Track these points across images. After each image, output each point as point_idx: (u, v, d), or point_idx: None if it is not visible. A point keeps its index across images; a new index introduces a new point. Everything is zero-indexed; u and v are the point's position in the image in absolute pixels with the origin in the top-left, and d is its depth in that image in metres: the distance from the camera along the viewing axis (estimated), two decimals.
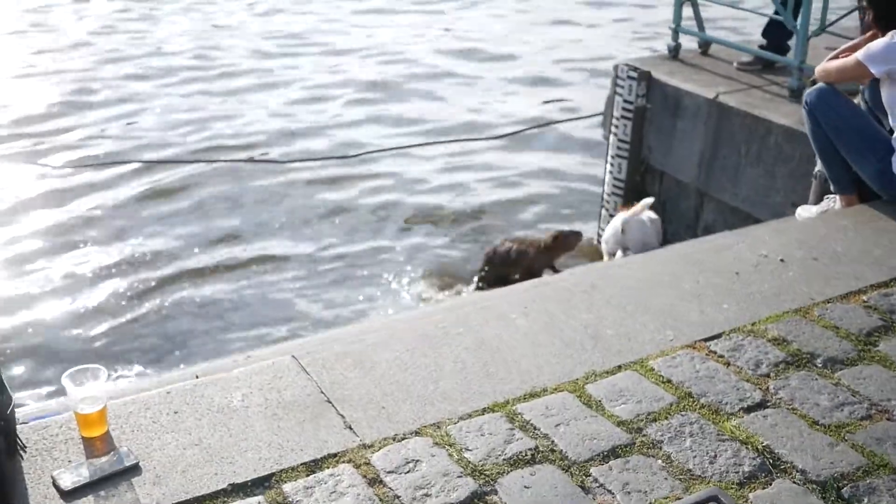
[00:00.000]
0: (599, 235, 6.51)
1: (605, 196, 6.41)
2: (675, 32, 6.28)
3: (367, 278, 6.39)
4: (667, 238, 6.13)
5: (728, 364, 2.73)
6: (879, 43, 3.68)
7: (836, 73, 3.93)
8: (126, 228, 7.01)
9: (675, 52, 6.28)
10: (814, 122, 3.96)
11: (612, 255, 5.56)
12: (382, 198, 7.61)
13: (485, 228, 7.07)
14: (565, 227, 6.62)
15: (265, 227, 7.09)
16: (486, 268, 6.06)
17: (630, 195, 6.22)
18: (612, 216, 6.33)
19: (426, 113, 9.66)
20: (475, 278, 6.23)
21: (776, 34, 5.89)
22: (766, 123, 5.09)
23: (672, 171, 5.90)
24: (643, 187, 6.23)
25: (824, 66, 4.00)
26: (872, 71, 3.70)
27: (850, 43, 4.05)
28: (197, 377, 3.06)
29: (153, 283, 6.20)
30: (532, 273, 5.89)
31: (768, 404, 2.53)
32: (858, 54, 3.73)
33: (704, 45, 6.39)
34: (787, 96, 5.39)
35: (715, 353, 2.78)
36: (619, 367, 2.71)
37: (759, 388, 2.60)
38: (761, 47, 5.98)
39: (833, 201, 4.12)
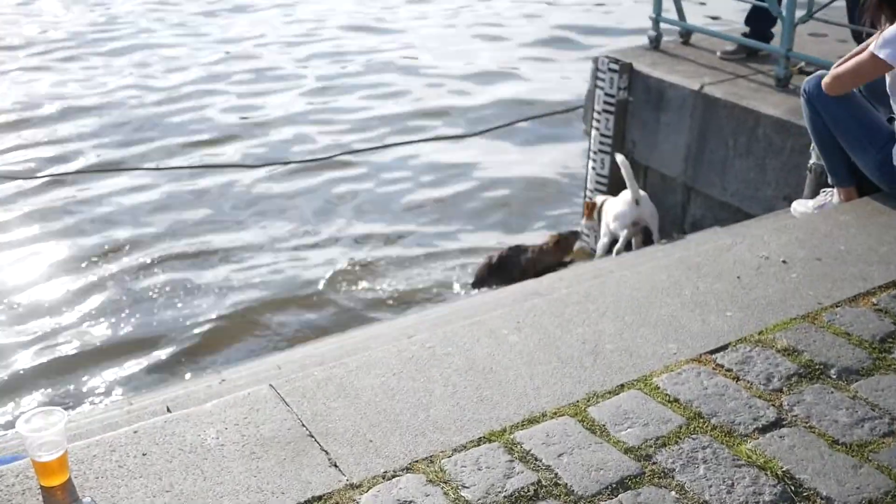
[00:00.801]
0: (583, 233, 6.34)
1: (588, 193, 6.24)
2: (656, 22, 6.11)
3: (344, 283, 6.19)
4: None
5: (737, 379, 2.55)
6: (893, 29, 3.44)
7: (851, 74, 3.59)
8: (87, 233, 6.79)
9: (656, 43, 6.11)
10: (812, 111, 3.79)
11: (618, 235, 5.36)
12: (358, 199, 7.41)
13: (462, 227, 6.88)
14: (549, 228, 6.48)
15: (231, 229, 6.88)
16: (485, 275, 5.89)
17: (614, 191, 6.05)
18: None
19: (396, 109, 9.46)
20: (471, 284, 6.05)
21: (760, 21, 5.73)
22: (754, 114, 4.93)
23: (657, 166, 5.74)
24: None
25: (834, 73, 3.69)
26: (891, 62, 3.42)
27: (848, 55, 3.75)
28: (168, 410, 2.86)
29: (123, 298, 5.97)
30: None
31: (784, 423, 2.36)
32: (872, 48, 3.45)
33: (686, 35, 6.23)
34: (774, 85, 5.23)
35: (722, 366, 2.61)
36: (622, 385, 2.53)
37: (773, 405, 2.43)
38: (744, 35, 5.82)
39: (830, 195, 3.96)
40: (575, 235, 6.17)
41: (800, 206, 4.13)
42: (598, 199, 5.71)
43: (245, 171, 7.89)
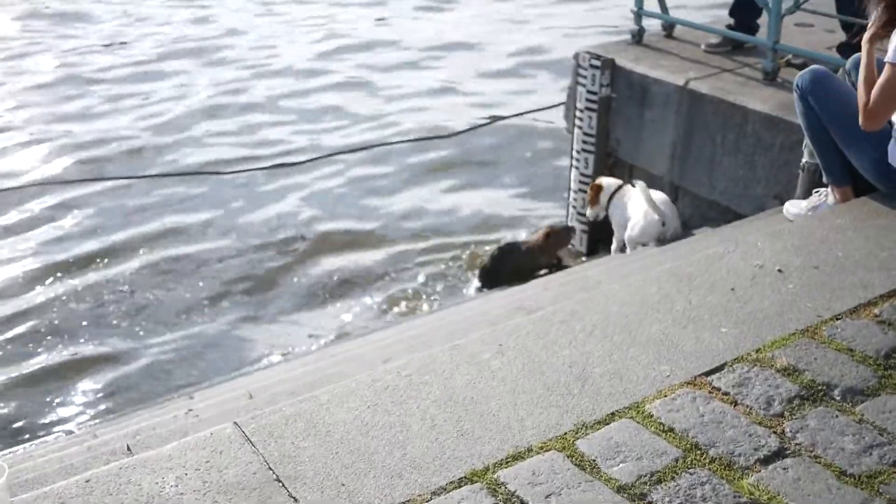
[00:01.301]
0: (580, 228, 6.16)
1: (572, 193, 6.06)
2: (638, 15, 5.94)
3: (314, 294, 6.01)
4: None
5: (735, 403, 2.39)
6: None
7: (882, 98, 3.18)
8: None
9: (638, 37, 5.94)
10: (806, 107, 3.62)
11: (634, 246, 5.10)
12: (326, 205, 7.20)
13: (440, 234, 6.70)
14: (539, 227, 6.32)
15: (201, 237, 6.68)
16: (484, 277, 5.73)
17: None
18: (580, 214, 5.99)
19: (370, 113, 9.24)
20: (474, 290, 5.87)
21: (744, 13, 5.56)
22: (741, 110, 4.76)
23: (643, 164, 5.57)
24: None
25: (864, 112, 3.26)
26: None
27: (863, 85, 3.39)
28: (129, 449, 2.67)
29: (91, 312, 5.75)
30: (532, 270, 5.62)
31: (787, 452, 2.20)
32: (889, 59, 3.13)
33: (668, 28, 6.06)
34: (762, 79, 5.07)
35: (719, 389, 2.44)
36: (613, 414, 2.36)
37: (774, 433, 2.26)
38: (729, 27, 5.65)
39: (825, 195, 3.80)
40: (568, 231, 5.96)
41: (793, 207, 3.97)
42: (604, 180, 5.37)
43: (214, 177, 7.67)
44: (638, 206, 4.98)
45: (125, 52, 11.55)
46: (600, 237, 6.05)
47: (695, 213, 5.30)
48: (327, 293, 6.03)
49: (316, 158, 7.91)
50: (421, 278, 6.14)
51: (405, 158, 8.07)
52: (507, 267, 5.69)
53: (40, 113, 9.49)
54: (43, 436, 4.35)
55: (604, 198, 5.33)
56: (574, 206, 6.07)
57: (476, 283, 5.80)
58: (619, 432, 2.28)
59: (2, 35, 12.51)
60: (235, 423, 2.40)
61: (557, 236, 5.84)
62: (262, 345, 5.30)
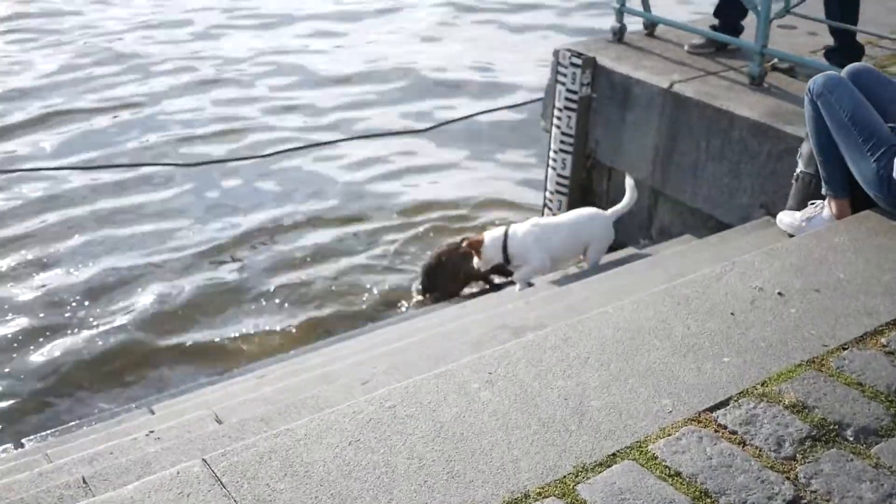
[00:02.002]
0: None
1: (548, 194, 5.90)
2: (620, 13, 5.77)
3: (290, 288, 5.79)
4: (617, 240, 5.66)
5: (744, 444, 2.23)
6: None
7: None
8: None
9: (619, 35, 5.78)
10: (815, 112, 3.48)
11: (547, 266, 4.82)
12: (299, 202, 6.96)
13: (412, 234, 6.50)
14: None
15: (167, 235, 6.41)
16: (427, 279, 5.52)
17: (576, 193, 5.73)
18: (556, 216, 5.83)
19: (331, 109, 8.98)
20: (414, 290, 5.70)
21: (730, 13, 5.42)
22: (728, 115, 4.62)
23: (622, 167, 5.41)
24: (590, 184, 5.74)
25: None
26: None
27: None
28: (84, 482, 2.45)
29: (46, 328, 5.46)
30: (476, 278, 5.42)
31: (802, 502, 2.05)
32: None
33: (650, 26, 5.90)
34: (748, 84, 4.93)
35: (725, 428, 2.29)
36: (614, 455, 2.20)
37: (787, 478, 2.12)
38: (714, 28, 5.51)
39: (820, 207, 3.67)
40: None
41: (786, 218, 3.84)
42: (486, 234, 4.88)
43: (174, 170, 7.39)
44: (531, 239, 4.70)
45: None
46: None
47: (675, 220, 5.17)
48: (288, 291, 5.81)
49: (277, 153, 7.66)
50: (394, 282, 5.95)
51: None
52: (446, 269, 5.45)
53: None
54: None
55: (495, 249, 4.76)
56: (550, 208, 5.91)
57: (417, 283, 5.63)
58: (622, 476, 2.12)
59: None
60: (204, 460, 2.20)
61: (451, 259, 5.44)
62: (223, 349, 5.07)
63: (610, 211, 4.75)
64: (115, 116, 8.59)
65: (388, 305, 5.58)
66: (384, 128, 8.26)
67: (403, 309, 5.50)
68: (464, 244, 4.94)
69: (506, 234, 4.67)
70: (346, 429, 2.29)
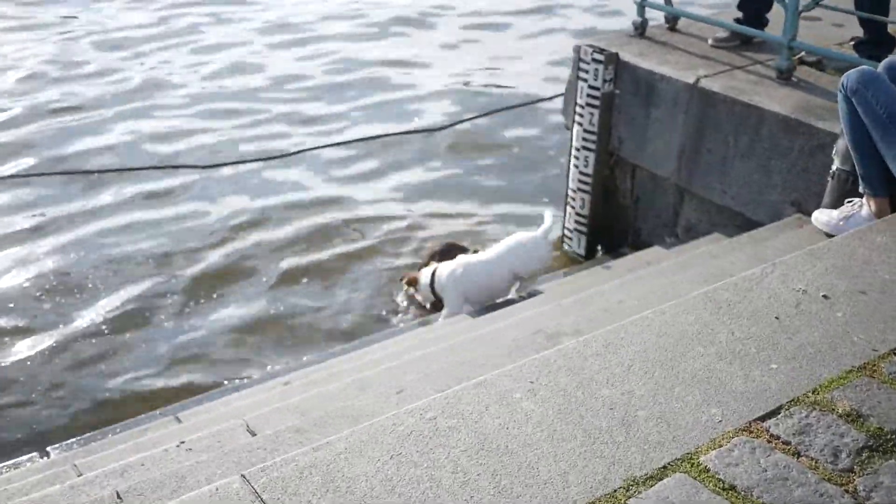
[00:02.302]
0: (565, 236, 5.94)
1: (570, 192, 5.82)
2: (641, 7, 5.69)
3: (310, 295, 5.72)
4: (641, 238, 5.59)
5: (798, 454, 2.16)
6: None
7: None
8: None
9: (641, 30, 5.69)
10: (850, 109, 3.40)
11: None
12: (309, 201, 6.90)
13: (430, 236, 6.42)
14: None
15: (189, 239, 6.36)
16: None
17: (598, 190, 5.65)
18: (578, 214, 5.77)
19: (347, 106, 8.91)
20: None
21: (754, 5, 5.34)
22: (757, 111, 4.54)
23: (647, 165, 5.34)
24: (613, 182, 5.66)
25: None
26: None
27: None
28: (119, 497, 2.40)
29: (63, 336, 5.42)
30: None
31: None
32: None
33: (672, 20, 5.81)
34: (775, 78, 4.84)
35: (778, 438, 2.22)
36: (665, 468, 2.13)
37: (847, 491, 2.05)
38: (737, 20, 5.42)
39: (858, 205, 3.59)
40: (451, 249, 5.45)
41: (822, 216, 3.76)
42: (420, 273, 4.94)
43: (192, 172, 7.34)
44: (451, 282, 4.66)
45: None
46: (600, 240, 5.84)
47: (702, 217, 5.08)
48: (313, 289, 5.75)
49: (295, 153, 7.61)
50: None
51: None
52: None
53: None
54: (15, 455, 4.05)
55: (426, 288, 4.83)
56: (572, 206, 5.83)
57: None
58: (675, 490, 2.05)
59: None
60: (243, 476, 2.14)
61: (442, 257, 5.31)
62: (242, 353, 5.01)
63: (541, 229, 4.76)
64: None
65: (412, 309, 5.51)
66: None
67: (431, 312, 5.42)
68: (403, 280, 5.00)
69: (433, 274, 4.72)
70: (386, 442, 2.23)
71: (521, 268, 4.60)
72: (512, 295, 4.74)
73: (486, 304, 4.61)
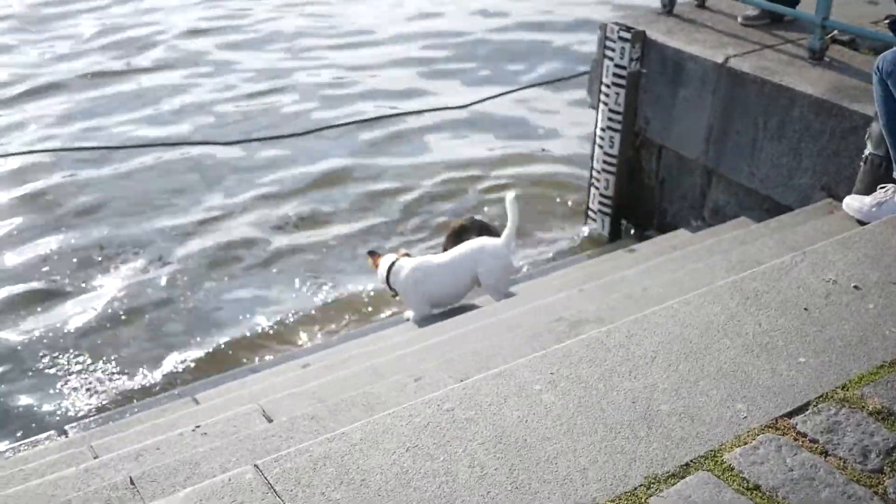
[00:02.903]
0: (589, 217, 5.86)
1: (595, 173, 5.73)
2: None
3: (323, 272, 5.69)
4: (667, 220, 5.50)
5: (826, 453, 2.10)
6: None
7: None
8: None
9: (669, 7, 5.57)
10: (885, 91, 3.29)
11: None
12: (337, 181, 6.86)
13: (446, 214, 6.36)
14: (546, 213, 6.03)
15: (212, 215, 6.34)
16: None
17: (623, 171, 5.56)
18: (602, 195, 5.68)
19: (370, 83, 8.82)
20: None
21: None
22: (788, 92, 4.42)
23: (673, 146, 5.23)
24: (638, 163, 5.56)
25: None
26: None
27: None
28: (132, 482, 2.38)
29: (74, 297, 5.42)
30: None
31: None
32: None
33: None
34: (807, 58, 4.71)
35: (805, 436, 2.15)
36: (687, 465, 2.07)
37: (876, 493, 1.98)
38: None
39: (891, 191, 3.49)
40: (478, 228, 5.29)
41: (854, 202, 3.66)
42: (383, 258, 4.63)
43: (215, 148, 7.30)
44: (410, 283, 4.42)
45: None
46: (625, 221, 5.75)
47: (730, 200, 4.98)
48: (325, 270, 5.72)
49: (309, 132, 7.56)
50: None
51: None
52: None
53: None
54: (35, 431, 4.06)
55: (381, 277, 4.55)
56: (596, 188, 5.74)
57: None
58: (697, 489, 1.99)
59: None
60: (256, 466, 2.11)
61: (468, 234, 5.11)
62: (263, 334, 4.98)
63: (503, 237, 4.40)
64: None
65: None
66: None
67: None
68: (369, 258, 4.72)
69: (389, 268, 4.44)
70: (402, 433, 2.19)
71: (484, 275, 4.29)
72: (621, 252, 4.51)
73: (450, 306, 4.42)
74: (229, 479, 2.08)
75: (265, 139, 7.46)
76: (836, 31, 4.91)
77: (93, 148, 7.28)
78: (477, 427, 2.21)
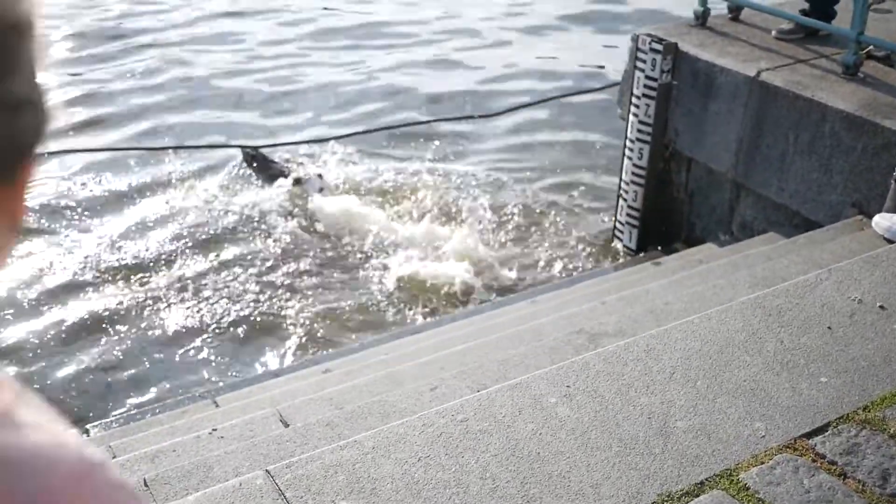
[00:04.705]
0: (616, 229, 5.82)
1: (623, 184, 5.69)
2: None
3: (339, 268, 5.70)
4: (695, 233, 5.45)
5: (844, 476, 2.06)
6: None
7: None
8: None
9: (702, 19, 5.52)
10: None
11: None
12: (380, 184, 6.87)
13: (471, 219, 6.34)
14: (575, 225, 6.03)
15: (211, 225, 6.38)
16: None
17: (652, 183, 5.52)
18: (630, 207, 5.64)
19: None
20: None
21: None
22: (820, 107, 4.36)
23: (703, 159, 5.18)
24: (668, 175, 5.51)
25: None
26: None
27: None
28: (146, 485, 2.39)
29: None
30: None
31: None
32: None
33: (735, 10, 5.62)
34: (841, 73, 4.65)
35: (823, 457, 2.11)
36: (702, 483, 2.04)
37: None
38: (803, 12, 5.22)
39: None
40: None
41: (884, 221, 3.61)
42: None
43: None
44: None
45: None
46: (653, 234, 5.71)
47: (758, 215, 4.92)
48: (347, 266, 5.73)
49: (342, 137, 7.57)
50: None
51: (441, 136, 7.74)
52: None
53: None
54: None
55: None
56: (624, 199, 5.70)
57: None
58: None
59: None
60: (268, 471, 2.11)
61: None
62: (287, 335, 4.99)
63: None
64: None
65: (454, 299, 5.44)
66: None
67: (475, 303, 5.34)
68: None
69: None
70: (415, 443, 2.18)
71: None
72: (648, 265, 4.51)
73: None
74: (240, 484, 2.09)
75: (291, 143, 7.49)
76: (871, 47, 4.84)
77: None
78: (490, 439, 2.19)
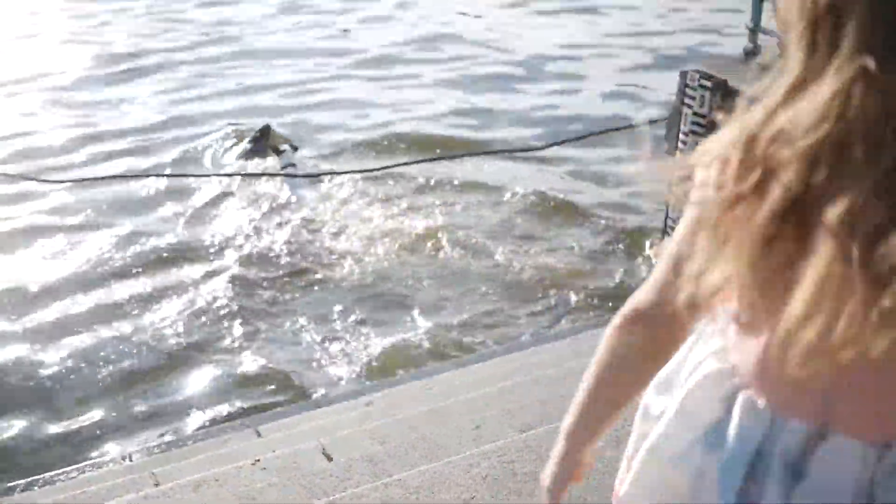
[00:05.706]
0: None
1: (670, 221, 5.64)
2: (753, 33, 5.48)
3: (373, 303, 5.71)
4: None
5: None
6: None
7: None
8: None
9: (752, 56, 5.48)
10: None
11: None
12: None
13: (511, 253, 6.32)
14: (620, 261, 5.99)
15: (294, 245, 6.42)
16: None
17: None
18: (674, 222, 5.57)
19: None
20: None
21: None
22: None
23: None
24: None
25: None
26: None
27: None
28: None
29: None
30: None
31: None
32: None
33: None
34: None
35: None
36: None
37: None
38: None
39: None
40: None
41: None
42: None
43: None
44: None
45: None
46: None
47: None
48: (388, 304, 5.73)
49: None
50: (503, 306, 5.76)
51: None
52: None
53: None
54: (97, 457, 4.12)
55: None
56: (669, 234, 5.65)
57: None
58: None
59: None
60: None
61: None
62: (331, 365, 5.00)
63: None
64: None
65: (495, 330, 5.40)
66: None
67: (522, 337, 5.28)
68: None
69: None
70: (460, 484, 2.16)
71: None
72: None
73: None
74: None
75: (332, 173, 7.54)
76: None
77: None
78: (536, 483, 2.15)
